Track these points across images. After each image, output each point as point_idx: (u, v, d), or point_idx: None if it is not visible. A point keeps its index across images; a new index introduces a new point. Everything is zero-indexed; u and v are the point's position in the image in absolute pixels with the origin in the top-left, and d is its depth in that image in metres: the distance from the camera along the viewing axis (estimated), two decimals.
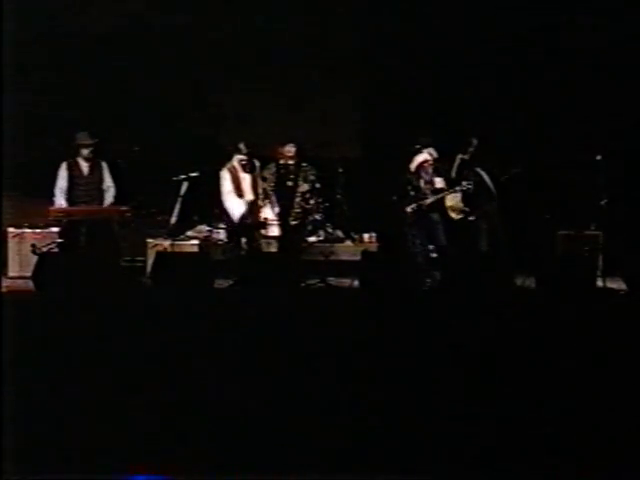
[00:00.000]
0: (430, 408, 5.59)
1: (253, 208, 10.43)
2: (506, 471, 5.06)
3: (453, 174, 10.72)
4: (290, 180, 10.80)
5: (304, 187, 10.80)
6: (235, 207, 10.32)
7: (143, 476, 4.97)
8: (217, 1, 11.76)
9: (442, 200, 10.43)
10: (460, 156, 10.78)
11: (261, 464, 5.03)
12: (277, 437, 5.28)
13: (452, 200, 10.53)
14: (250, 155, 10.30)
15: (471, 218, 10.50)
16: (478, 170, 10.56)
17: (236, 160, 10.30)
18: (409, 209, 10.26)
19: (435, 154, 10.39)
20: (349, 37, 11.89)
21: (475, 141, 10.75)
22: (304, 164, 10.74)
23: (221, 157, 10.75)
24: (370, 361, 6.18)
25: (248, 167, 10.33)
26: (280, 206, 10.69)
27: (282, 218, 10.66)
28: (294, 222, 10.74)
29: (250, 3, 11.67)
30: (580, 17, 11.23)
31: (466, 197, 10.48)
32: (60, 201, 10.09)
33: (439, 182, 10.38)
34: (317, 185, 10.89)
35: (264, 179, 10.82)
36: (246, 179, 10.36)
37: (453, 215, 10.59)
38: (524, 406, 5.63)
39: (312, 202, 10.91)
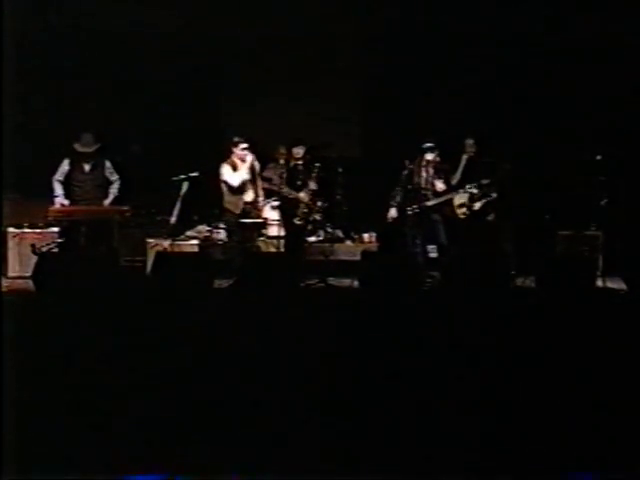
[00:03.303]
0: (430, 408, 5.59)
1: (253, 208, 10.46)
2: (506, 472, 5.06)
3: (459, 174, 10.72)
4: (299, 180, 10.93)
5: (313, 187, 10.92)
6: (235, 204, 10.32)
7: (143, 476, 4.97)
8: (218, 0, 11.76)
9: (449, 200, 10.47)
10: (465, 156, 10.78)
11: (260, 464, 5.03)
12: (277, 437, 5.28)
13: (460, 199, 10.57)
14: (248, 144, 10.30)
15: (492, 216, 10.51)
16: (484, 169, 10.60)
17: (235, 155, 10.32)
18: (409, 210, 10.27)
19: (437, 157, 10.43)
20: (349, 37, 11.88)
21: (471, 141, 10.76)
22: (317, 164, 10.88)
23: (221, 157, 10.77)
24: (370, 361, 6.18)
25: (245, 158, 10.31)
26: (285, 206, 10.77)
27: (287, 218, 10.73)
28: (299, 222, 10.82)
29: (251, 3, 11.67)
30: (580, 15, 11.22)
31: (472, 196, 10.52)
32: (59, 192, 10.17)
33: (439, 184, 10.39)
34: (313, 185, 10.99)
35: (266, 179, 10.86)
36: (246, 176, 10.36)
37: (459, 213, 10.62)
38: (524, 406, 5.63)
39: (320, 203, 11.00)
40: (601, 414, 5.49)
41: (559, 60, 11.34)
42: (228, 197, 10.33)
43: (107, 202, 10.38)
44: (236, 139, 10.29)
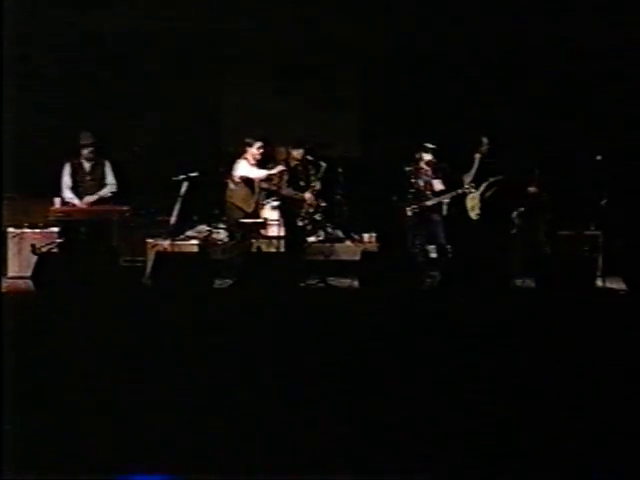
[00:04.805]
0: (430, 408, 5.60)
1: (256, 207, 10.47)
2: (506, 472, 5.06)
3: (472, 174, 10.72)
4: (301, 181, 10.92)
5: (318, 187, 10.91)
6: (248, 202, 10.31)
7: (143, 476, 4.97)
8: (218, 1, 11.75)
9: (463, 200, 10.50)
10: (478, 156, 10.78)
11: (260, 465, 5.03)
12: (276, 437, 5.28)
13: (472, 200, 10.61)
14: (263, 143, 10.33)
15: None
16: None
17: (250, 154, 10.32)
18: (409, 210, 10.28)
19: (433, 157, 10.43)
20: (350, 36, 11.87)
21: (485, 140, 10.77)
22: (322, 164, 10.86)
23: (221, 157, 10.78)
24: (370, 361, 6.18)
25: (260, 162, 10.37)
26: (286, 207, 10.76)
27: (287, 218, 10.72)
28: (303, 222, 10.81)
29: (251, 3, 11.67)
30: (581, 16, 11.22)
31: (483, 197, 10.58)
32: (69, 195, 10.23)
33: (437, 184, 10.41)
34: (318, 186, 10.98)
35: (266, 179, 10.85)
36: (264, 174, 10.38)
37: (472, 215, 10.65)
38: (524, 406, 5.63)
39: (323, 203, 10.98)
40: (601, 414, 5.49)
41: (560, 59, 11.34)
42: (241, 194, 10.30)
43: (92, 199, 10.32)
44: (249, 140, 10.30)
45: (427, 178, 10.40)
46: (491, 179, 10.59)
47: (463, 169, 10.80)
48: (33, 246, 10.06)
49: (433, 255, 10.35)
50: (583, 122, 11.11)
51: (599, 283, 9.30)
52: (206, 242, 10.71)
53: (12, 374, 5.62)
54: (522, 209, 10.44)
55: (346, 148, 11.88)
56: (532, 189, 10.44)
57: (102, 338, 6.44)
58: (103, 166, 10.43)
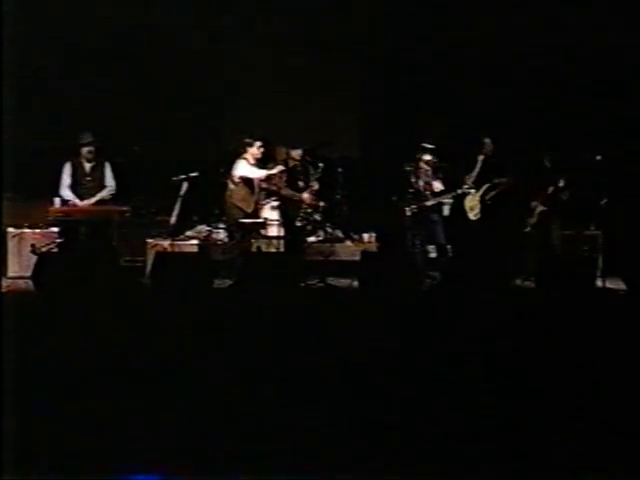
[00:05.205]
0: (430, 408, 5.59)
1: (255, 207, 10.47)
2: (506, 472, 5.06)
3: (474, 174, 10.72)
4: (300, 181, 10.92)
5: (316, 187, 10.91)
6: (248, 202, 10.31)
7: (143, 476, 4.97)
8: (219, 1, 11.75)
9: (462, 200, 10.51)
10: (482, 157, 10.78)
11: (261, 464, 5.03)
12: (276, 437, 5.28)
13: (471, 201, 10.62)
14: (263, 142, 10.32)
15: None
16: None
17: (250, 154, 10.31)
18: (409, 210, 10.28)
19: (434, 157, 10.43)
20: (350, 36, 11.87)
21: (488, 140, 10.77)
22: (320, 164, 10.85)
23: (221, 157, 10.78)
24: (369, 361, 6.18)
25: (260, 162, 10.36)
26: (286, 207, 10.75)
27: (287, 218, 10.72)
28: (302, 223, 10.81)
29: (251, 3, 11.67)
30: (581, 17, 11.22)
31: (483, 198, 10.59)
32: (67, 194, 10.21)
33: (437, 185, 10.41)
34: (316, 186, 10.98)
35: (266, 179, 10.85)
36: (264, 173, 10.38)
37: (471, 215, 10.65)
38: (524, 406, 5.63)
39: (322, 203, 10.98)
40: (601, 414, 5.48)
41: (560, 60, 11.34)
42: (241, 194, 10.30)
43: (92, 201, 10.33)
44: (248, 140, 10.28)
45: (427, 178, 10.39)
46: (495, 180, 10.60)
47: (465, 170, 10.80)
48: (33, 246, 10.08)
49: (433, 255, 10.35)
50: (583, 122, 11.10)
51: (599, 283, 9.31)
52: (206, 242, 10.71)
53: (12, 374, 5.62)
54: (543, 208, 10.43)
55: (346, 148, 11.88)
56: (554, 188, 10.41)
57: (102, 338, 6.44)
58: (103, 167, 10.44)
